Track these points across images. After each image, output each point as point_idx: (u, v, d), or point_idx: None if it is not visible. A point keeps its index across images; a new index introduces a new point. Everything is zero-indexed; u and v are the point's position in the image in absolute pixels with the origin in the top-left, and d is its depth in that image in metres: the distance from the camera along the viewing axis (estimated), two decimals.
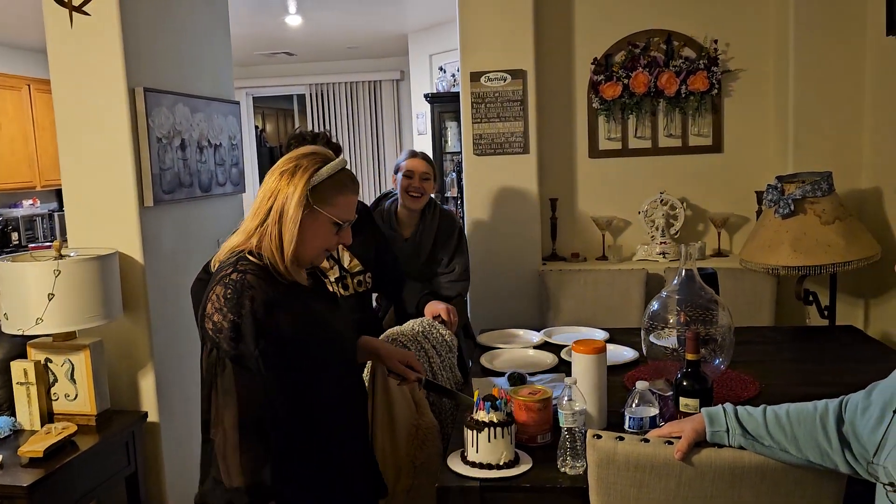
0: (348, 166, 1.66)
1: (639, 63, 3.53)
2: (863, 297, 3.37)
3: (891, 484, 1.08)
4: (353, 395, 1.69)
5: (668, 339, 2.22)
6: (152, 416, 2.81)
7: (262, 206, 1.56)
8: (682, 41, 3.57)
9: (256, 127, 9.42)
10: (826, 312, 3.16)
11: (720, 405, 1.49)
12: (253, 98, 8.75)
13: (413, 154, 2.95)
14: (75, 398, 2.59)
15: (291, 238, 1.52)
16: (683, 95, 3.53)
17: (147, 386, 2.81)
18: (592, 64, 3.59)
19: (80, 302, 2.48)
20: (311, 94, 8.43)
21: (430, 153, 5.94)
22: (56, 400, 2.60)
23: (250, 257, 1.54)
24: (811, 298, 3.15)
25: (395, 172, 2.93)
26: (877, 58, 3.19)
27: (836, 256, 2.86)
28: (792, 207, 2.92)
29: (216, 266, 1.59)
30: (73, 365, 2.57)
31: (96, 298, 2.53)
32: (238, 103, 3.65)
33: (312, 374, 1.54)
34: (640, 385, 1.70)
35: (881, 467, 1.13)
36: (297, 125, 9.57)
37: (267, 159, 9.61)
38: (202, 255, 3.11)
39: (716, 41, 3.52)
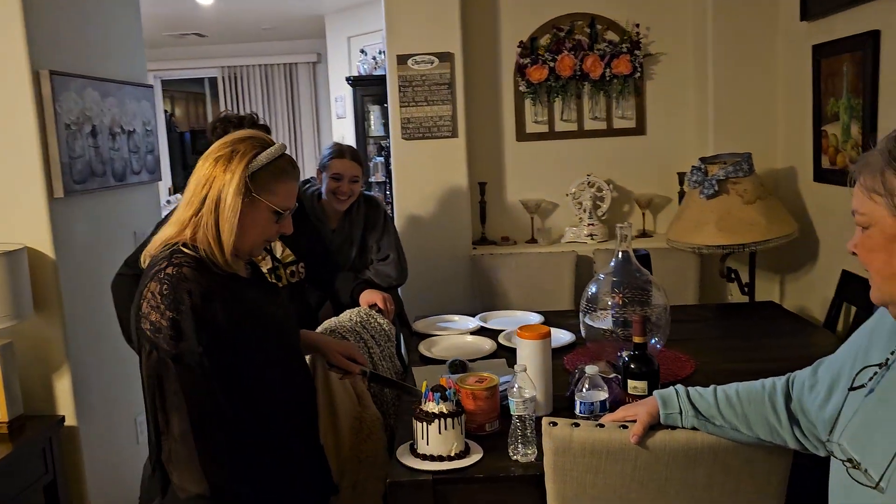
0: None
1: (564, 46, 3.55)
2: (779, 273, 3.52)
3: (849, 460, 1.10)
4: (301, 389, 1.63)
5: (604, 321, 2.25)
6: (70, 421, 2.64)
7: (195, 195, 1.46)
8: (606, 25, 3.60)
9: (166, 111, 9.02)
10: (746, 289, 3.28)
11: (672, 387, 1.50)
12: (162, 81, 8.36)
13: (340, 153, 2.78)
14: None
15: (231, 228, 1.43)
16: (607, 79, 3.57)
17: (63, 389, 2.64)
18: (518, 47, 3.58)
19: None
20: (223, 78, 8.13)
21: (351, 137, 5.83)
22: None
23: (185, 249, 1.45)
24: (733, 276, 3.25)
25: (321, 170, 2.78)
26: (790, 42, 3.31)
27: (758, 235, 2.96)
28: (716, 188, 3.01)
29: (147, 261, 1.49)
30: None
31: (3, 297, 2.35)
32: (151, 87, 3.47)
33: (257, 369, 1.47)
34: (590, 369, 1.70)
35: (836, 445, 1.16)
36: (209, 110, 9.22)
37: (178, 145, 9.22)
38: (120, 249, 2.94)
39: (637, 25, 3.57)
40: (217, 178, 1.45)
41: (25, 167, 2.52)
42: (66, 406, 2.64)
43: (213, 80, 8.55)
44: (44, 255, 2.57)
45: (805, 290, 3.33)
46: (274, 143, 1.52)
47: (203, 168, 1.48)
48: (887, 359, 1.14)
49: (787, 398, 1.39)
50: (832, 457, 1.17)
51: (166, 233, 1.48)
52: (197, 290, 1.38)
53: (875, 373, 1.15)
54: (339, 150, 2.78)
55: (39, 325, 2.58)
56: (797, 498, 1.50)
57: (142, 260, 1.53)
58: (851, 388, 1.19)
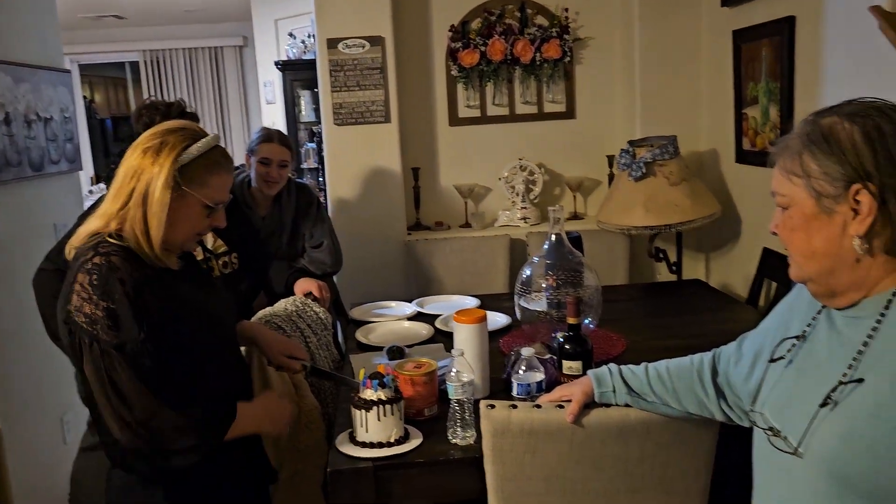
0: None
1: (495, 31, 3.56)
2: (704, 251, 3.64)
3: (770, 429, 1.16)
4: (236, 381, 1.61)
5: (539, 303, 2.28)
6: None
7: (123, 188, 1.42)
8: (535, 9, 3.63)
9: (85, 98, 8.65)
10: (674, 268, 3.39)
11: (605, 366, 1.54)
12: (80, 66, 8.00)
13: (269, 137, 2.73)
14: None
15: (160, 223, 1.39)
16: (538, 63, 3.61)
17: None
18: (450, 31, 3.58)
19: None
20: (145, 62, 7.84)
21: (282, 123, 5.72)
22: None
23: (111, 240, 1.41)
24: (661, 256, 3.35)
25: (250, 154, 2.72)
26: (712, 27, 3.41)
27: (684, 215, 3.06)
28: (643, 170, 3.08)
29: (71, 253, 1.44)
30: None
31: None
32: (69, 72, 3.32)
33: (192, 361, 1.45)
34: (526, 351, 1.72)
35: (759, 414, 1.21)
36: (132, 95, 8.89)
37: (99, 133, 8.87)
38: (39, 242, 2.82)
39: (566, 10, 3.61)
40: (145, 170, 1.41)
41: None
42: None
43: (134, 65, 8.24)
44: None
45: (729, 267, 3.46)
46: (206, 135, 1.48)
47: (131, 159, 1.44)
48: (804, 331, 1.20)
49: (714, 373, 1.45)
50: (755, 426, 1.22)
51: (92, 225, 1.44)
52: (128, 278, 1.36)
53: (793, 345, 1.20)
54: (268, 135, 2.74)
55: None
56: (724, 467, 1.57)
57: (66, 252, 1.48)
58: (772, 360, 1.24)
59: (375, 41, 3.39)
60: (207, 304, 1.55)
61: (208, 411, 1.44)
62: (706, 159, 3.53)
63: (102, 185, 7.27)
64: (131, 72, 8.71)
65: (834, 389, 1.05)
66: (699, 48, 3.49)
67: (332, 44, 3.38)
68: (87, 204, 2.42)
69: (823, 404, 1.06)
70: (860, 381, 1.03)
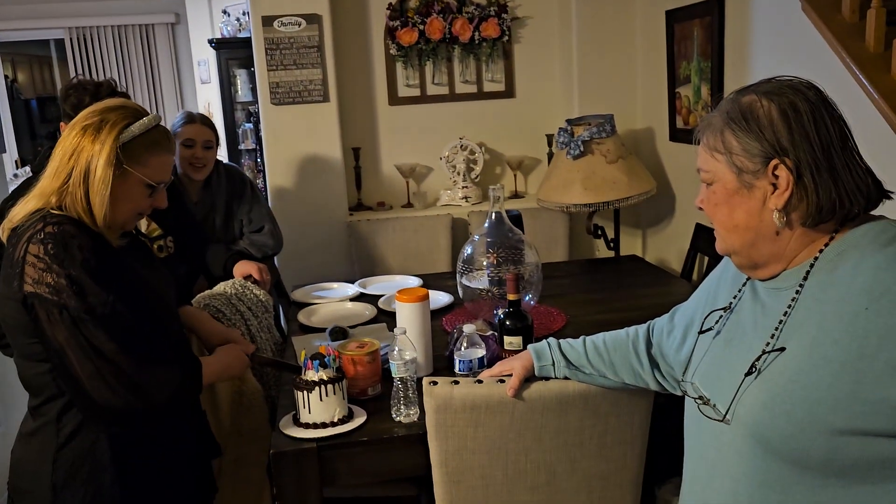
0: None
1: (433, 9, 3.54)
2: (640, 228, 3.73)
3: (700, 398, 1.20)
4: (182, 345, 1.62)
5: (480, 281, 2.31)
6: None
7: (62, 167, 1.40)
8: None
9: (6, 77, 8.26)
10: (612, 244, 3.46)
11: (544, 340, 1.57)
12: (0, 43, 7.63)
13: (190, 118, 2.68)
14: None
15: (102, 201, 1.39)
16: (477, 42, 3.61)
17: None
18: (388, 9, 3.54)
19: None
20: (71, 39, 7.52)
21: (217, 103, 5.58)
22: None
23: (56, 211, 1.39)
24: (600, 233, 3.42)
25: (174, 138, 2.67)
26: (647, 7, 3.46)
27: (621, 192, 3.12)
28: (581, 149, 3.13)
29: (6, 234, 1.41)
30: None
31: None
32: None
33: (148, 334, 1.45)
34: (468, 328, 1.74)
35: (689, 384, 1.25)
36: (57, 74, 8.53)
37: (23, 114, 8.50)
38: None
39: None
40: (85, 148, 1.40)
41: None
42: None
43: (59, 42, 7.90)
44: None
45: (664, 243, 3.56)
46: (147, 114, 1.48)
47: (70, 137, 1.42)
48: (731, 303, 1.25)
49: (648, 344, 1.49)
50: (686, 396, 1.27)
51: (30, 205, 1.42)
52: (86, 244, 1.36)
53: (721, 316, 1.25)
54: (190, 116, 2.71)
55: None
56: (658, 435, 1.63)
57: (2, 234, 1.44)
58: (701, 332, 1.28)
59: (312, 19, 3.33)
60: (153, 281, 1.55)
61: (179, 363, 1.48)
62: (642, 137, 3.60)
63: (28, 169, 6.98)
64: (56, 50, 8.35)
65: (758, 358, 1.09)
66: (634, 28, 3.55)
67: (267, 21, 3.31)
68: (12, 188, 2.32)
69: (748, 373, 1.10)
70: (782, 349, 1.07)
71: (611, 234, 3.47)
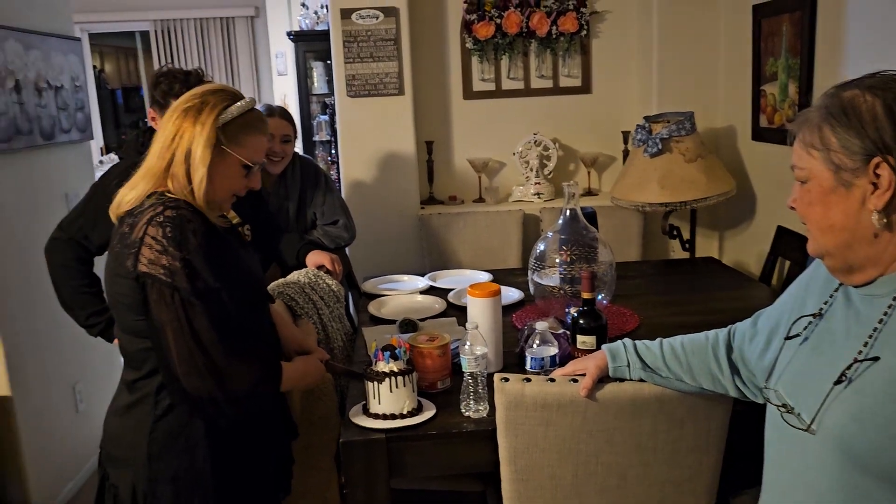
0: None
1: (510, 3, 3.51)
2: (717, 229, 3.61)
3: (783, 405, 1.15)
4: (271, 338, 1.67)
5: (552, 278, 2.28)
6: (3, 391, 2.56)
7: (165, 148, 1.46)
8: None
9: (95, 67, 8.62)
10: (688, 245, 3.36)
11: (620, 341, 1.53)
12: (90, 35, 7.97)
13: (270, 112, 2.71)
14: None
15: (201, 179, 1.44)
16: (554, 36, 3.56)
17: None
18: (465, 3, 3.53)
19: None
20: (155, 31, 7.78)
21: (293, 95, 5.68)
22: None
23: (169, 195, 1.45)
24: (675, 233, 3.33)
25: None
26: (732, 2, 3.34)
27: (699, 192, 3.03)
28: (659, 146, 3.05)
29: (121, 215, 1.47)
30: None
31: None
32: (79, 40, 3.30)
33: (247, 315, 1.52)
34: (540, 326, 1.72)
35: (773, 391, 1.20)
36: (142, 66, 8.85)
37: (109, 103, 8.85)
38: (50, 211, 2.82)
39: None
40: (187, 129, 1.45)
41: None
42: None
43: (144, 35, 8.19)
44: None
45: (742, 245, 3.44)
46: (244, 97, 1.53)
47: (172, 120, 1.48)
48: (821, 308, 1.19)
49: (729, 349, 1.44)
50: (768, 403, 1.22)
51: (141, 187, 1.47)
52: (200, 229, 1.42)
53: (810, 322, 1.19)
54: (269, 110, 2.73)
55: None
56: (735, 442, 1.57)
57: (111, 215, 1.51)
58: (788, 338, 1.23)
59: (390, 12, 3.35)
60: (252, 265, 1.62)
61: (265, 362, 1.51)
62: (722, 136, 3.49)
63: (113, 155, 7.27)
64: (141, 41, 8.66)
65: (849, 367, 1.04)
66: (718, 23, 3.43)
67: (345, 14, 3.34)
68: (98, 174, 2.41)
69: (838, 381, 1.05)
70: (875, 359, 1.02)
71: (686, 235, 3.38)
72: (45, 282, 2.19)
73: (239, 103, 1.49)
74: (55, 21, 3.08)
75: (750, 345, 1.39)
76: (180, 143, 1.45)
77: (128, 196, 1.47)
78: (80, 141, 3.27)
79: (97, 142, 7.66)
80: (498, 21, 3.51)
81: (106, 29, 8.04)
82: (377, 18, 3.34)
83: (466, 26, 3.54)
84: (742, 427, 1.53)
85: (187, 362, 1.39)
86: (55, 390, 2.92)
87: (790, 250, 2.83)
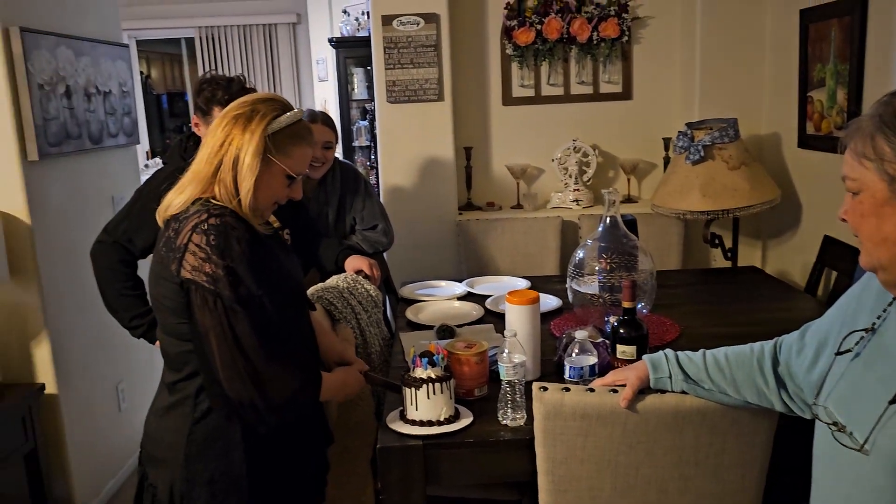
0: None
1: (551, 9, 3.49)
2: (761, 238, 3.54)
3: (834, 423, 1.11)
4: (310, 344, 1.68)
5: (591, 286, 2.25)
6: (50, 388, 2.62)
7: (214, 154, 1.47)
8: None
9: (142, 73, 8.82)
10: (730, 254, 3.30)
11: (661, 352, 1.50)
12: (137, 42, 8.15)
13: (313, 117, 2.71)
14: None
15: (248, 187, 1.45)
16: (595, 42, 3.53)
17: (42, 356, 2.61)
18: (505, 9, 3.52)
19: None
20: (200, 38, 7.93)
21: (334, 100, 5.73)
22: None
23: (214, 202, 1.47)
24: (717, 241, 3.27)
25: None
26: (778, 6, 3.28)
27: (742, 200, 2.97)
28: (702, 153, 3.00)
29: (167, 219, 1.49)
30: None
31: None
32: (127, 46, 3.37)
33: (288, 321, 1.53)
34: (580, 335, 1.70)
35: (822, 408, 1.17)
36: (186, 72, 9.02)
37: (155, 108, 9.04)
38: (97, 214, 2.89)
39: None
40: (236, 137, 1.47)
41: None
42: (45, 374, 2.61)
43: (190, 41, 8.35)
44: (18, 220, 2.52)
45: (787, 255, 3.36)
46: (293, 108, 1.54)
47: (221, 126, 1.49)
48: (874, 323, 1.15)
49: (775, 362, 1.40)
50: (817, 420, 1.18)
51: (189, 192, 1.49)
52: (244, 237, 1.43)
53: (861, 337, 1.16)
54: (312, 115, 2.73)
55: (16, 291, 2.54)
56: (781, 459, 1.53)
57: (158, 217, 1.53)
58: (838, 353, 1.19)
59: (430, 18, 3.36)
60: (293, 271, 1.63)
61: (305, 369, 1.52)
62: (767, 143, 3.42)
63: (157, 160, 7.42)
64: (186, 48, 8.83)
65: None
66: (764, 27, 3.37)
67: (386, 20, 3.36)
68: (144, 178, 2.46)
69: (893, 400, 1.02)
70: None
71: (728, 244, 3.31)
72: (92, 283, 2.24)
73: (288, 114, 1.50)
74: (103, 28, 3.15)
75: (797, 358, 1.35)
76: (229, 149, 1.46)
77: (175, 200, 1.49)
78: (127, 145, 3.34)
79: (143, 146, 7.82)
80: (538, 27, 3.50)
81: (153, 36, 8.22)
82: (418, 25, 3.35)
83: (507, 32, 3.53)
84: (788, 441, 1.49)
85: (230, 368, 1.40)
86: (99, 389, 2.98)
87: (838, 261, 2.76)
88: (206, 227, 1.40)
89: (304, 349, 1.62)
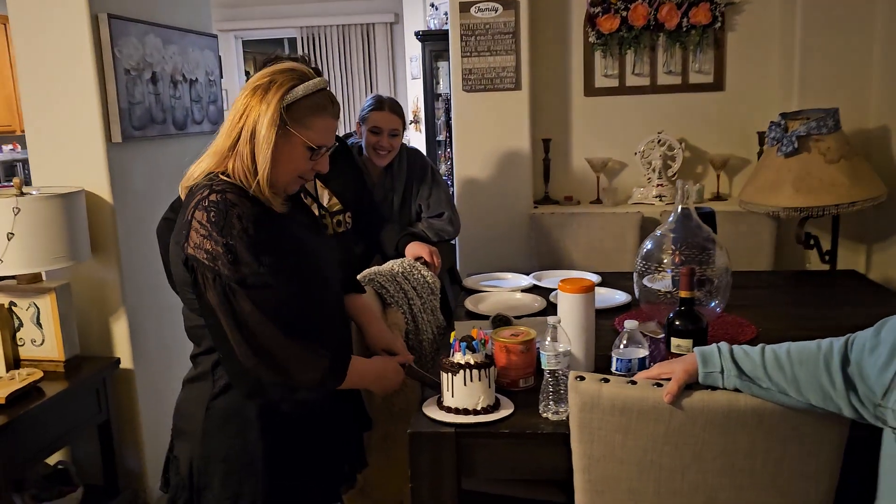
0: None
1: None
2: (865, 241, 3.24)
3: None
4: (342, 330, 1.63)
5: (662, 282, 2.10)
6: (126, 363, 2.71)
7: (233, 126, 1.44)
8: None
9: (247, 73, 9.15)
10: (827, 257, 3.04)
11: (714, 344, 1.37)
12: (243, 42, 8.48)
13: (380, 104, 2.67)
14: (42, 343, 2.48)
15: (265, 160, 1.41)
16: (684, 29, 3.35)
17: (120, 331, 2.70)
18: None
19: (43, 242, 2.35)
20: (302, 38, 8.16)
21: (421, 96, 5.74)
22: (22, 345, 2.49)
23: (223, 177, 1.43)
24: (812, 242, 3.02)
25: (361, 122, 2.69)
26: None
27: (840, 197, 2.72)
28: (795, 145, 2.77)
29: (184, 193, 1.48)
30: (38, 309, 2.46)
31: (61, 238, 2.40)
32: (216, 37, 3.47)
33: (305, 301, 1.47)
34: (629, 325, 1.58)
35: (889, 410, 1.02)
36: None
37: None
38: (175, 197, 2.97)
39: None
40: (253, 108, 1.43)
41: (84, 112, 2.56)
42: (121, 348, 2.71)
43: (292, 41, 8.60)
44: (101, 199, 2.62)
45: (894, 259, 3.06)
46: (315, 77, 1.48)
47: (241, 98, 1.46)
48: None
49: (845, 361, 1.24)
50: (884, 425, 1.03)
51: (205, 164, 1.48)
52: (245, 212, 1.39)
53: None
54: (379, 102, 2.69)
55: (96, 268, 2.65)
56: (849, 470, 1.35)
57: (180, 192, 1.53)
58: None
59: (509, 4, 3.27)
60: (315, 248, 1.56)
61: (330, 353, 1.46)
62: (874, 136, 3.13)
63: None
64: (289, 48, 9.10)
65: None
66: (873, 11, 3.08)
67: (464, 7, 3.31)
68: None
69: None
70: None
71: (826, 245, 3.05)
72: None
73: (306, 84, 1.45)
74: (194, 18, 3.25)
75: (870, 356, 1.19)
76: (246, 121, 1.42)
77: (195, 171, 1.48)
78: (211, 132, 3.39)
79: None
80: (624, 14, 3.35)
81: (257, 36, 8.52)
82: (496, 11, 3.28)
83: (590, 19, 3.40)
84: (860, 453, 1.32)
85: (242, 345, 1.37)
86: (173, 366, 3.06)
87: None
88: (206, 203, 1.37)
89: (329, 333, 1.55)
